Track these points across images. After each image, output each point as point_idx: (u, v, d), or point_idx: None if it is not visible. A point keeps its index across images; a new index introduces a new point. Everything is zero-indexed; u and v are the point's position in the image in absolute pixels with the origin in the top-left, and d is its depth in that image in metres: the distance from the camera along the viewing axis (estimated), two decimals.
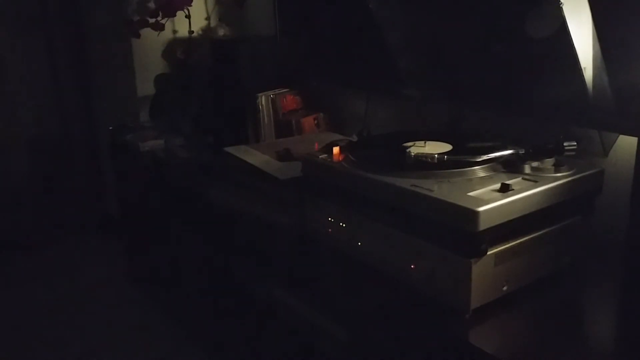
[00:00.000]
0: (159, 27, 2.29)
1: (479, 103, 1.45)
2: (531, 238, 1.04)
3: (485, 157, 1.10)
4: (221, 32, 2.40)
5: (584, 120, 1.21)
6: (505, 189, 1.00)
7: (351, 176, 1.16)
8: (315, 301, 1.34)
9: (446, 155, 1.12)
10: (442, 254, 1.00)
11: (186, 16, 2.34)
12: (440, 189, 1.02)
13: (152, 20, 2.27)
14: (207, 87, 2.25)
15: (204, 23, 2.50)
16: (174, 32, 2.49)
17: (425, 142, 1.25)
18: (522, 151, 1.12)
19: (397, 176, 1.09)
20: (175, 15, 2.30)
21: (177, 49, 2.47)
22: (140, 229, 2.43)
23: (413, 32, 1.56)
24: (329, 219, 1.25)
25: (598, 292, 1.12)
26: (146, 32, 2.30)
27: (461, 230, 0.95)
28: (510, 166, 1.11)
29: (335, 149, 1.25)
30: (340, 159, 1.24)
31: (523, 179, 1.07)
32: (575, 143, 1.10)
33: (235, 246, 1.68)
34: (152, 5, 2.28)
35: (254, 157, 1.66)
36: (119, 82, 2.72)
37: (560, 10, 1.06)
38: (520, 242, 1.03)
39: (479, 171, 1.09)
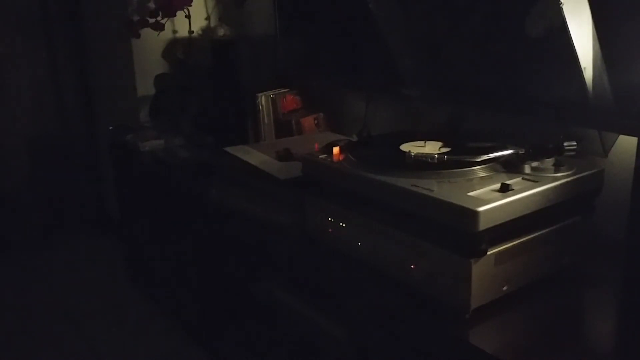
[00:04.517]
0: (159, 27, 2.29)
1: (479, 103, 1.45)
2: (531, 238, 1.04)
3: (485, 157, 1.10)
4: (221, 32, 2.40)
5: (584, 120, 1.21)
6: (505, 189, 1.00)
7: (351, 176, 1.16)
8: (315, 301, 1.34)
9: (446, 155, 1.12)
10: (442, 254, 1.00)
11: (186, 16, 2.34)
12: (440, 189, 1.02)
13: (152, 20, 2.27)
14: (207, 87, 2.25)
15: (204, 23, 2.50)
16: (174, 32, 2.49)
17: (425, 142, 1.25)
18: (522, 151, 1.12)
19: (397, 176, 1.08)
20: (175, 15, 2.30)
21: (177, 49, 2.47)
22: (140, 229, 2.43)
23: (413, 32, 1.56)
24: (329, 219, 1.25)
25: (598, 292, 1.12)
26: (146, 32, 2.30)
27: (461, 230, 0.95)
28: (510, 166, 1.11)
29: (335, 149, 1.25)
30: (340, 159, 1.24)
31: (523, 179, 1.07)
32: (575, 143, 1.10)
33: (235, 246, 1.68)
34: (152, 5, 2.28)
35: (254, 157, 1.66)
36: (119, 82, 2.72)
37: (560, 10, 1.06)
38: (520, 242, 1.03)
39: (479, 171, 1.09)
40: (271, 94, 2.00)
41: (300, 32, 2.08)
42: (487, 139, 1.24)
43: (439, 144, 1.25)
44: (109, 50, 2.79)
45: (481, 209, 0.93)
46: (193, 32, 2.40)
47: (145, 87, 2.51)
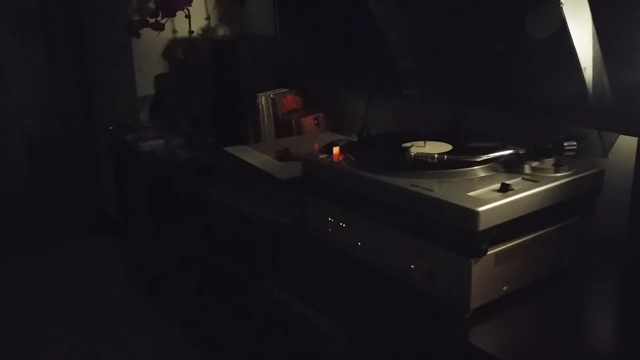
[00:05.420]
0: (159, 27, 2.29)
1: (479, 103, 1.45)
2: (531, 238, 1.04)
3: (485, 157, 1.10)
4: (221, 32, 2.40)
5: (584, 120, 1.21)
6: (505, 189, 1.00)
7: (351, 176, 1.16)
8: (315, 301, 1.34)
9: (446, 155, 1.12)
10: (442, 254, 1.00)
11: (186, 16, 2.34)
12: (440, 189, 1.02)
13: (152, 20, 2.27)
14: (207, 87, 2.25)
15: (204, 23, 2.50)
16: (174, 32, 2.49)
17: (425, 142, 1.25)
18: (522, 151, 1.12)
19: (397, 176, 1.08)
20: (175, 15, 2.30)
21: (177, 49, 2.47)
22: (140, 229, 2.43)
23: (413, 32, 1.56)
24: (329, 219, 1.25)
25: (598, 292, 1.12)
26: (146, 32, 2.30)
27: (461, 230, 0.95)
28: (510, 166, 1.11)
29: (335, 149, 1.25)
30: (340, 159, 1.24)
31: (523, 179, 1.07)
32: (575, 143, 1.10)
33: (235, 246, 1.68)
34: (152, 5, 2.28)
35: (254, 157, 1.66)
36: (119, 82, 2.72)
37: (560, 10, 1.06)
38: (520, 242, 1.03)
39: (479, 171, 1.09)
40: (271, 94, 2.00)
41: (300, 32, 2.08)
42: (487, 139, 1.24)
43: (440, 143, 1.25)
44: (109, 50, 2.79)
45: (481, 209, 0.93)
46: (193, 32, 2.39)
47: (145, 87, 2.51)
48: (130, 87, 2.55)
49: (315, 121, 2.00)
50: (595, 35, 1.12)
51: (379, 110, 1.84)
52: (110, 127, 2.50)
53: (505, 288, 1.02)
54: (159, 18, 2.27)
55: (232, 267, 1.72)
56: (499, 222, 0.96)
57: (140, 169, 2.25)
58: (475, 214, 0.93)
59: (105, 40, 2.82)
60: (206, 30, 2.47)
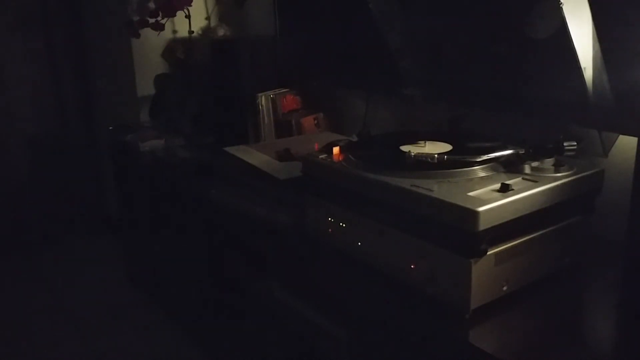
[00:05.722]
0: (159, 27, 2.29)
1: (479, 103, 1.45)
2: (531, 238, 1.04)
3: (485, 157, 1.10)
4: (221, 32, 2.40)
5: (584, 120, 1.21)
6: (505, 189, 1.00)
7: (351, 176, 1.16)
8: (315, 301, 1.34)
9: (446, 155, 1.12)
10: (442, 254, 1.00)
11: (186, 16, 2.34)
12: (440, 189, 1.02)
13: (152, 20, 2.27)
14: (207, 87, 2.25)
15: (204, 23, 2.50)
16: (174, 32, 2.49)
17: (425, 142, 1.25)
18: (522, 151, 1.12)
19: (397, 176, 1.08)
20: (175, 15, 2.30)
21: (177, 49, 2.47)
22: (140, 229, 2.43)
23: (413, 32, 1.56)
24: (329, 219, 1.25)
25: (598, 292, 1.12)
26: (146, 32, 2.31)
27: (461, 230, 0.95)
28: (510, 166, 1.11)
29: (335, 149, 1.25)
30: (340, 159, 1.24)
31: (523, 179, 1.07)
32: (575, 143, 1.10)
33: (235, 246, 1.68)
34: (152, 5, 2.28)
35: (254, 157, 1.66)
36: (119, 82, 2.72)
37: (560, 10, 1.06)
38: (520, 242, 1.03)
39: (479, 171, 1.09)
40: (271, 94, 2.00)
41: (300, 32, 2.08)
42: (487, 139, 1.24)
43: (440, 143, 1.25)
44: (109, 50, 2.79)
45: (481, 209, 0.93)
46: (193, 32, 2.40)
47: (145, 87, 2.51)
48: (130, 87, 2.55)
49: (315, 121, 2.01)
50: (595, 35, 1.12)
51: (379, 110, 1.84)
52: (110, 127, 2.50)
53: (505, 288, 1.02)
54: (159, 18, 2.27)
55: (232, 267, 1.72)
56: (499, 222, 0.96)
57: (140, 169, 2.25)
58: (476, 214, 0.93)
59: (105, 40, 2.82)
60: (206, 30, 2.48)
